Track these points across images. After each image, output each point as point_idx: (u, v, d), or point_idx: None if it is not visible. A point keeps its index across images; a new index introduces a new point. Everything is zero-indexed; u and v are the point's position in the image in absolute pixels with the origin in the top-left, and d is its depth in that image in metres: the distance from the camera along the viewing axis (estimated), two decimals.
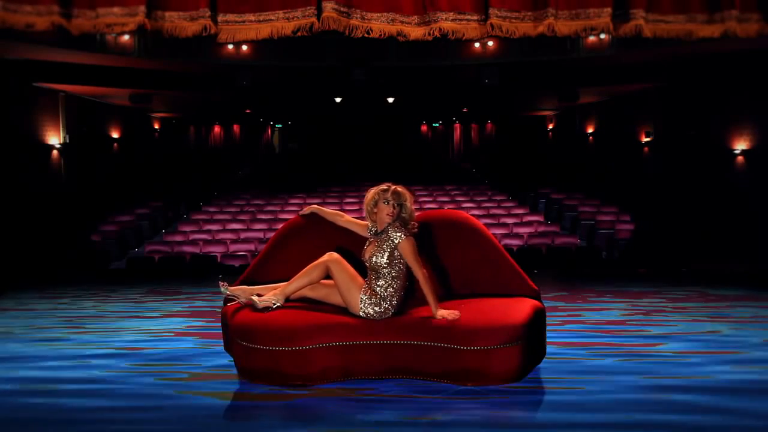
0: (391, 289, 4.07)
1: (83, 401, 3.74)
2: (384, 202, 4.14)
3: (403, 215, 4.16)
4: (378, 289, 4.07)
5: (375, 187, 4.24)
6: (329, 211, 4.58)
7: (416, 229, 4.21)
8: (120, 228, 14.66)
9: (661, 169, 16.04)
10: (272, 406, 3.67)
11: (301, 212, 4.68)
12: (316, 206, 4.62)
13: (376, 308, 4.05)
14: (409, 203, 4.17)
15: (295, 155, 31.74)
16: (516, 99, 21.47)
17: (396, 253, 4.08)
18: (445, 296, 4.39)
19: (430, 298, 3.98)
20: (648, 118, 16.84)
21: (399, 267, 4.10)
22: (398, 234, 4.06)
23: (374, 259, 4.10)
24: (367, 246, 4.22)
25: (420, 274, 4.01)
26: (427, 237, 4.48)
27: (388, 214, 4.13)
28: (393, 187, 4.19)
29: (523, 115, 26.45)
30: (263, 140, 33.55)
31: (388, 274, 4.08)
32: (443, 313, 3.94)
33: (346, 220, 4.49)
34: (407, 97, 19.08)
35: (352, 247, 4.46)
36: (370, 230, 4.27)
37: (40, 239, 12.88)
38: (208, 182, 21.40)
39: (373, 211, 4.20)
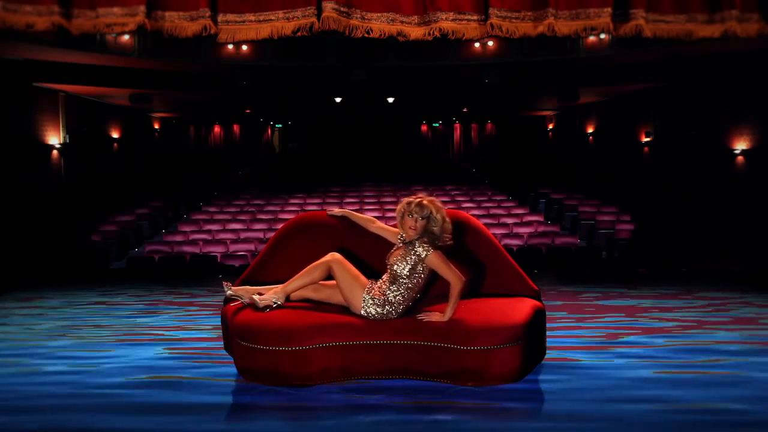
0: (400, 297, 4.05)
1: (79, 398, 3.75)
2: (408, 215, 4.06)
3: (433, 228, 4.03)
4: (389, 293, 4.04)
5: (407, 197, 4.15)
6: (361, 216, 4.49)
7: (450, 242, 4.10)
8: (120, 228, 14.66)
9: (662, 169, 16.04)
10: (272, 406, 3.67)
11: (330, 212, 4.60)
12: (347, 210, 4.57)
13: (379, 309, 4.03)
14: (439, 215, 4.03)
15: (295, 155, 31.77)
16: (516, 99, 21.47)
17: (419, 267, 4.03)
18: (444, 296, 4.37)
19: (452, 302, 3.91)
20: (648, 118, 16.83)
21: (417, 280, 4.06)
22: (424, 249, 3.99)
23: (396, 267, 4.06)
24: (395, 250, 4.16)
25: (457, 280, 3.92)
26: None
27: (410, 227, 4.05)
28: (418, 199, 4.08)
29: (523, 115, 26.44)
30: (263, 140, 33.57)
31: (404, 283, 4.05)
32: (434, 317, 3.93)
33: (378, 226, 4.41)
34: (407, 97, 19.08)
35: (354, 248, 4.46)
36: (400, 237, 4.21)
37: (40, 239, 12.87)
38: (208, 182, 21.40)
39: (402, 222, 4.14)
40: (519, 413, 3.59)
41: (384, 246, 4.36)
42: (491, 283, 4.48)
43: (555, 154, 23.98)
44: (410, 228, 4.05)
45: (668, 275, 10.44)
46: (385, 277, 4.13)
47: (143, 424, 3.41)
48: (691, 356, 4.67)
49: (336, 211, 4.58)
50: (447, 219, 4.07)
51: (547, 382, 4.04)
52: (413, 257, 4.03)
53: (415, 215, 4.03)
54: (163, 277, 10.68)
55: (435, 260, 3.98)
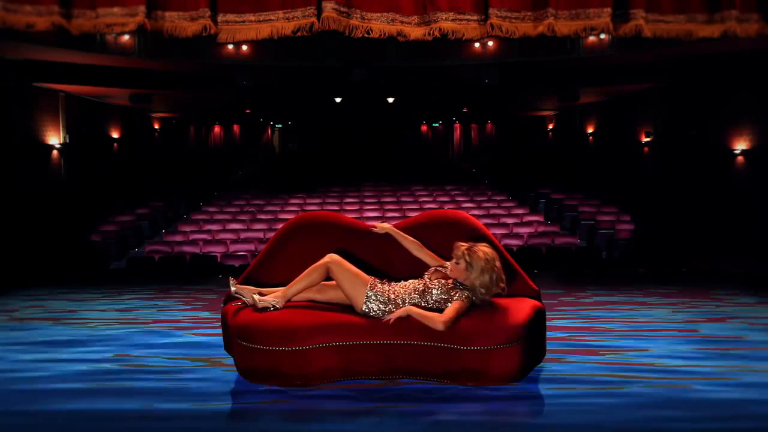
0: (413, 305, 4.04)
1: (80, 402, 3.75)
2: (453, 257, 4.04)
3: (484, 282, 3.95)
4: (406, 297, 4.02)
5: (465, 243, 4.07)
6: (407, 238, 4.34)
7: (504, 291, 4.05)
8: (120, 228, 14.67)
9: (661, 169, 16.04)
10: (272, 406, 3.67)
11: (374, 227, 4.46)
12: (393, 228, 4.42)
13: (382, 306, 4.00)
14: (477, 265, 3.93)
15: (294, 155, 31.76)
16: (516, 99, 21.48)
17: (448, 304, 3.99)
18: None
19: (423, 316, 3.85)
20: (648, 118, 16.84)
21: (435, 307, 4.03)
22: (461, 296, 3.96)
23: (434, 287, 4.03)
24: (439, 271, 4.14)
25: (444, 319, 3.82)
26: (428, 237, 4.47)
27: (450, 268, 4.06)
28: (465, 246, 4.01)
29: (523, 115, 26.45)
30: (263, 140, 33.56)
31: (428, 301, 4.01)
32: (398, 314, 3.92)
33: (425, 252, 4.30)
34: (407, 97, 19.08)
35: (353, 248, 4.45)
36: (441, 267, 4.17)
37: (40, 239, 12.88)
38: (208, 182, 21.40)
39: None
40: (519, 413, 3.59)
41: (385, 247, 4.35)
42: None
43: (555, 154, 23.99)
44: (450, 269, 4.06)
45: (668, 275, 10.44)
46: (410, 283, 4.10)
47: (143, 423, 3.41)
48: (691, 359, 4.68)
49: (378, 228, 4.43)
50: (490, 275, 3.95)
51: (547, 382, 4.04)
52: (452, 295, 3.98)
53: (454, 259, 4.03)
54: (163, 277, 10.67)
55: (459, 305, 3.93)
